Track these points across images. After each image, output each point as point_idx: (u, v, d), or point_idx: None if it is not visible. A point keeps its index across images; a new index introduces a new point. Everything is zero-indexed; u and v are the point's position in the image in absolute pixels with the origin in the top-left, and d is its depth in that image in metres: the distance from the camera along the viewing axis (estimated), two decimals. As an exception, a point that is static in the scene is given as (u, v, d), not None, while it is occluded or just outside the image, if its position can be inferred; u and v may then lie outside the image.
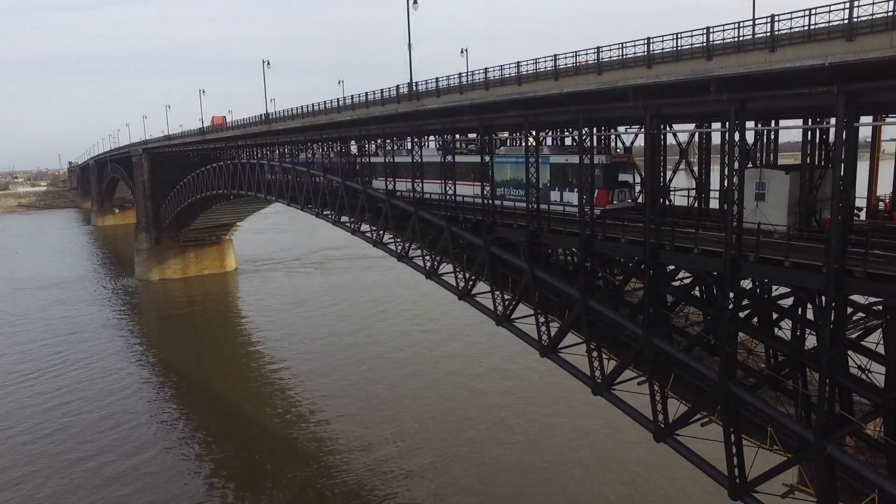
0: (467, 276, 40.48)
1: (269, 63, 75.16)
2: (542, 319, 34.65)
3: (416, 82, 39.74)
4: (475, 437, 51.00)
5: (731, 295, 25.02)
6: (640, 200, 33.37)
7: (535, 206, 34.28)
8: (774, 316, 28.59)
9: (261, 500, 43.83)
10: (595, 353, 31.60)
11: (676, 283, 31.49)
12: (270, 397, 62.43)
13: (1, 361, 73.70)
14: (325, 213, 58.87)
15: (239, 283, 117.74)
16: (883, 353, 24.21)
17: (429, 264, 44.05)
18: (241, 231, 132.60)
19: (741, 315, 26.97)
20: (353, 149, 55.90)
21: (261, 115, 66.22)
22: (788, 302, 27.59)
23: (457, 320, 79.28)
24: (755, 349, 30.00)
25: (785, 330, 27.98)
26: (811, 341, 26.29)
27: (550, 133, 41.19)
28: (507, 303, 37.35)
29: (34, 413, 58.73)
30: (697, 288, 31.34)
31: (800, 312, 26.30)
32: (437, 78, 38.36)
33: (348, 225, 54.88)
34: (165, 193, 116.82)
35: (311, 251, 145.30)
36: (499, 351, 68.85)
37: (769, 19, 22.10)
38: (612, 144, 36.94)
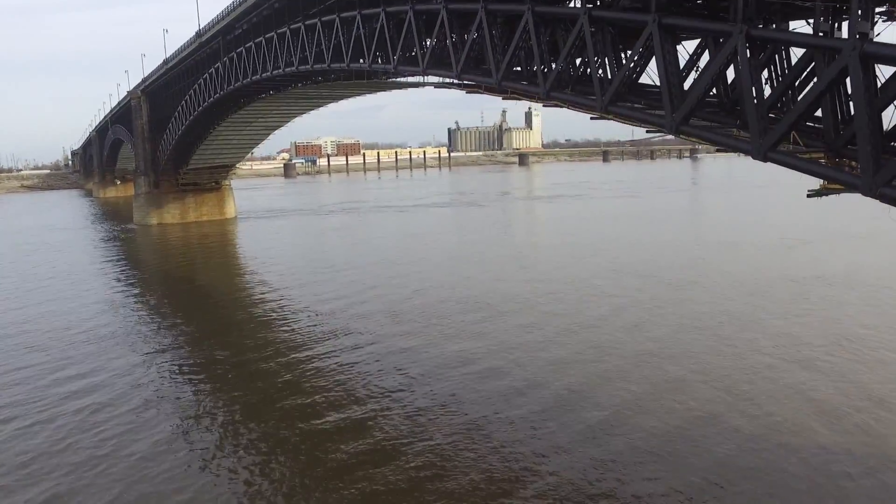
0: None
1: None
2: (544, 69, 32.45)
3: None
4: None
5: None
6: None
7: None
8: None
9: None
10: (600, 68, 29.42)
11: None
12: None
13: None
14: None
15: (239, 226, 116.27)
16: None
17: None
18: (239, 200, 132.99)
19: None
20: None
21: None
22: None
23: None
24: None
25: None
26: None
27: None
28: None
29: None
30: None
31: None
32: None
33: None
34: (163, 132, 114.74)
35: (317, 205, 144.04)
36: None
37: None
38: None
